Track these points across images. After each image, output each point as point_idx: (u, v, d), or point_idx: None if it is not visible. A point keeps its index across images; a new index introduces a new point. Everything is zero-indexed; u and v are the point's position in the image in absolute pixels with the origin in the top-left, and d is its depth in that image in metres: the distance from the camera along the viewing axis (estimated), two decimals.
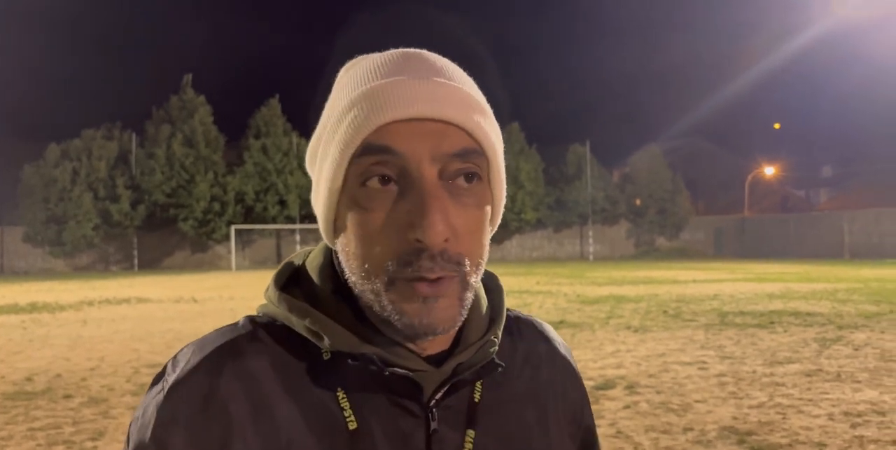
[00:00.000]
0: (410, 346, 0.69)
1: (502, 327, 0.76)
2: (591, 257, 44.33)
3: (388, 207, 0.63)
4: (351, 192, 0.65)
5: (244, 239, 39.04)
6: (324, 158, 0.67)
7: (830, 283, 19.16)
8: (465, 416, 0.71)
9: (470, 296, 0.67)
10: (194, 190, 36.56)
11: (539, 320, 0.87)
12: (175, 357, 0.70)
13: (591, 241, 45.22)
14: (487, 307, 0.77)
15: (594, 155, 45.31)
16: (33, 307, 15.56)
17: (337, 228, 0.68)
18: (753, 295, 15.70)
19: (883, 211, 37.40)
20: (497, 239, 44.53)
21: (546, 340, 0.85)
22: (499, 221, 0.73)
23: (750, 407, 5.77)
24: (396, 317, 0.64)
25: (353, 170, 0.64)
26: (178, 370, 0.68)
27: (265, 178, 38.29)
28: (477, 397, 0.72)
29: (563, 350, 0.86)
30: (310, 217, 39.14)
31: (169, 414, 0.65)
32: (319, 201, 0.69)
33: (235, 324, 0.72)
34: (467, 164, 0.65)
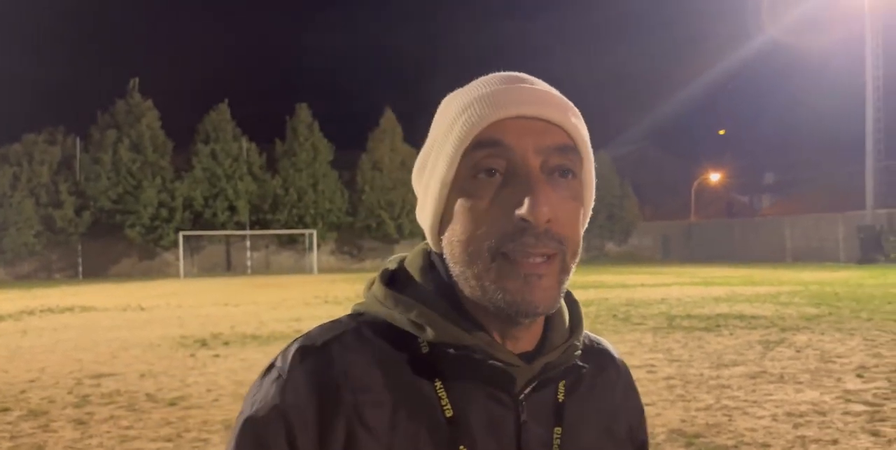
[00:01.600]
0: (504, 342, 0.75)
1: (583, 333, 0.83)
2: None
3: (492, 194, 0.71)
4: (461, 184, 0.72)
5: (193, 246, 38.30)
6: (436, 161, 0.75)
7: (773, 286, 19.68)
8: (552, 413, 0.78)
9: (567, 281, 0.74)
10: (141, 196, 35.74)
11: (603, 339, 0.94)
12: (285, 351, 0.75)
13: None
14: (568, 316, 0.83)
15: None
16: None
17: (444, 223, 0.75)
18: (700, 299, 16.03)
19: (822, 216, 38.59)
20: None
21: (611, 357, 0.91)
22: (587, 221, 0.81)
23: (697, 409, 5.88)
24: (499, 295, 0.70)
25: (464, 163, 0.72)
26: (289, 362, 0.73)
27: (214, 183, 37.66)
28: (561, 397, 0.79)
29: (623, 368, 0.92)
30: (260, 223, 38.70)
31: (290, 398, 0.71)
32: (429, 201, 0.76)
33: (339, 320, 0.79)
34: (565, 159, 0.73)
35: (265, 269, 39.25)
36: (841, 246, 36.39)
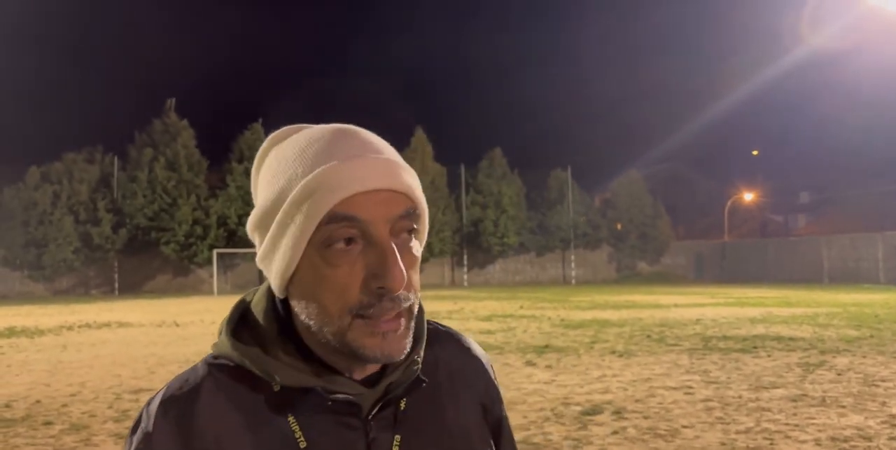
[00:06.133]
0: (348, 374, 0.83)
1: (424, 345, 0.89)
2: (573, 281, 44.43)
3: (351, 263, 0.76)
4: (317, 252, 0.77)
5: (226, 263, 38.73)
6: (284, 225, 0.77)
7: (810, 307, 19.33)
8: (392, 423, 0.84)
9: (413, 323, 0.82)
10: (176, 213, 36.34)
11: (457, 332, 1.01)
12: (148, 406, 0.82)
13: (573, 265, 45.36)
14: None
15: (575, 180, 45.67)
16: (11, 332, 15.31)
17: (295, 282, 0.79)
18: (735, 319, 15.80)
19: (858, 236, 37.88)
20: (480, 263, 44.53)
21: (464, 349, 0.98)
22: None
23: (737, 432, 5.79)
24: (361, 351, 0.77)
25: (318, 235, 0.76)
26: (153, 417, 0.80)
27: (248, 201, 38.00)
28: (403, 406, 0.86)
29: (478, 355, 0.99)
30: None
31: None
32: (277, 260, 0.79)
33: (195, 368, 0.86)
34: (409, 221, 0.79)
35: None
36: (880, 266, 35.65)
